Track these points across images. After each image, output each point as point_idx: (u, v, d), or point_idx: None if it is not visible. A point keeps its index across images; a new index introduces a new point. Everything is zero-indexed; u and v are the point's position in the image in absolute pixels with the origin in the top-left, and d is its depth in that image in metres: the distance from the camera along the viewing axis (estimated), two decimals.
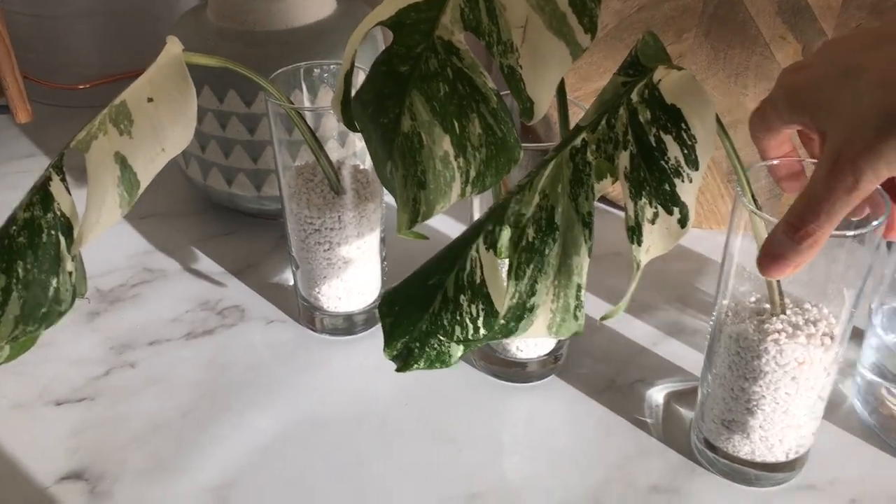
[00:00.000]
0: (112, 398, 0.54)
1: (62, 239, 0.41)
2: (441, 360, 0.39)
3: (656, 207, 0.37)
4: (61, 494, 0.47)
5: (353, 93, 0.40)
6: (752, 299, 0.45)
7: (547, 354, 0.54)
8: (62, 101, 0.87)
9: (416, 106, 0.38)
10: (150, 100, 0.41)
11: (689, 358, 0.56)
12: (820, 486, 0.47)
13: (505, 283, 0.37)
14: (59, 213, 0.40)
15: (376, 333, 0.59)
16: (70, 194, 0.41)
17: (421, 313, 0.38)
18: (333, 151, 0.55)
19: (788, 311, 0.43)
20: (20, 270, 0.40)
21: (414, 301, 0.38)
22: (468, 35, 0.38)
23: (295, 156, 0.57)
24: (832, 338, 0.42)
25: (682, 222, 0.38)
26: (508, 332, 0.39)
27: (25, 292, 0.40)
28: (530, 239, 0.37)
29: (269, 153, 0.64)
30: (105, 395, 0.54)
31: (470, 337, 0.38)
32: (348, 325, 0.58)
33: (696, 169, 0.37)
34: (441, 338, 0.38)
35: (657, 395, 0.53)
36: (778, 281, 0.43)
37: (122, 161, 0.40)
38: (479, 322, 0.38)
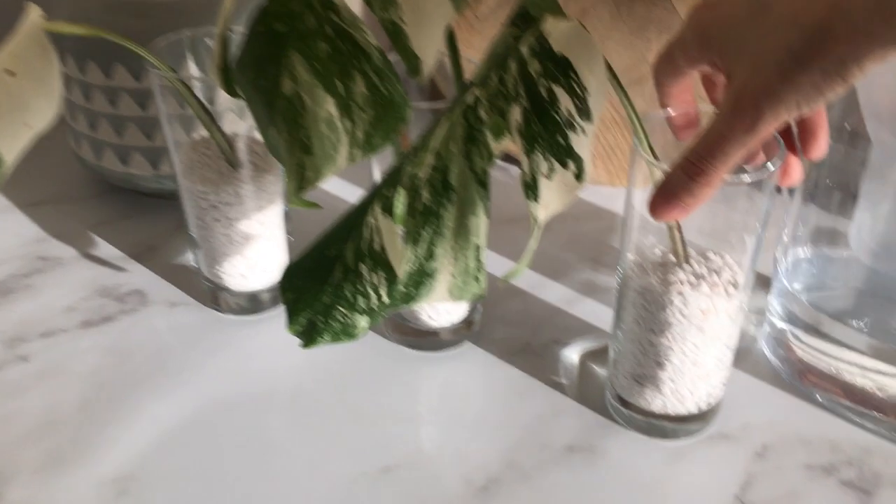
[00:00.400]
0: (3, 395, 0.51)
1: None
2: (347, 333, 0.38)
3: (551, 161, 0.36)
4: None
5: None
6: (658, 252, 0.44)
7: (459, 321, 0.53)
8: None
9: (295, 67, 0.36)
10: (10, 73, 0.38)
11: (605, 317, 0.56)
12: (732, 435, 0.48)
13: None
14: None
15: (283, 311, 0.57)
16: None
17: (322, 286, 0.37)
18: (233, 124, 0.52)
19: (692, 262, 0.43)
20: None
21: (314, 274, 0.37)
22: None
23: (190, 130, 0.54)
24: (736, 286, 0.42)
25: (579, 176, 0.37)
26: (409, 298, 0.38)
27: None
28: (425, 201, 0.36)
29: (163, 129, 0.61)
30: None
31: (374, 307, 0.37)
32: (254, 304, 0.56)
33: (590, 120, 0.36)
34: (344, 309, 0.37)
35: (572, 355, 0.53)
36: (681, 232, 0.42)
37: None
38: (382, 291, 0.37)
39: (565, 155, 0.36)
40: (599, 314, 0.56)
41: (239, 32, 0.46)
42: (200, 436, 0.48)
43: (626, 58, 0.63)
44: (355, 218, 0.36)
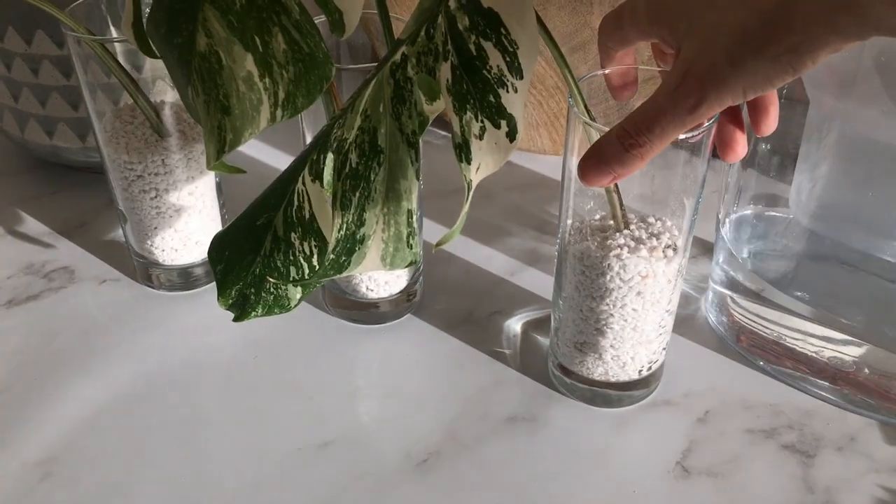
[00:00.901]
0: None
1: None
2: (280, 305, 0.37)
3: (482, 122, 0.35)
4: None
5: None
6: (597, 217, 0.43)
7: (399, 293, 0.52)
8: None
9: (210, 22, 0.34)
10: None
11: (548, 286, 0.55)
12: (675, 401, 0.47)
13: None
14: None
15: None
16: None
17: (252, 256, 0.35)
18: (163, 93, 0.50)
19: (632, 227, 0.42)
20: None
21: (244, 244, 0.35)
22: None
23: (117, 100, 0.52)
24: (675, 249, 0.42)
25: (511, 135, 0.35)
26: (340, 267, 0.36)
27: None
28: (353, 164, 0.34)
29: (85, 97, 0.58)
30: None
31: (306, 276, 0.36)
32: (187, 280, 0.54)
33: (521, 77, 0.35)
34: (276, 280, 0.36)
35: (515, 325, 0.52)
36: (619, 196, 0.41)
37: None
38: (314, 259, 0.35)
39: (497, 114, 0.35)
40: (542, 284, 0.55)
41: None
42: (129, 415, 0.46)
43: (569, 23, 0.62)
44: (284, 185, 0.34)
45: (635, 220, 0.42)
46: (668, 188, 0.42)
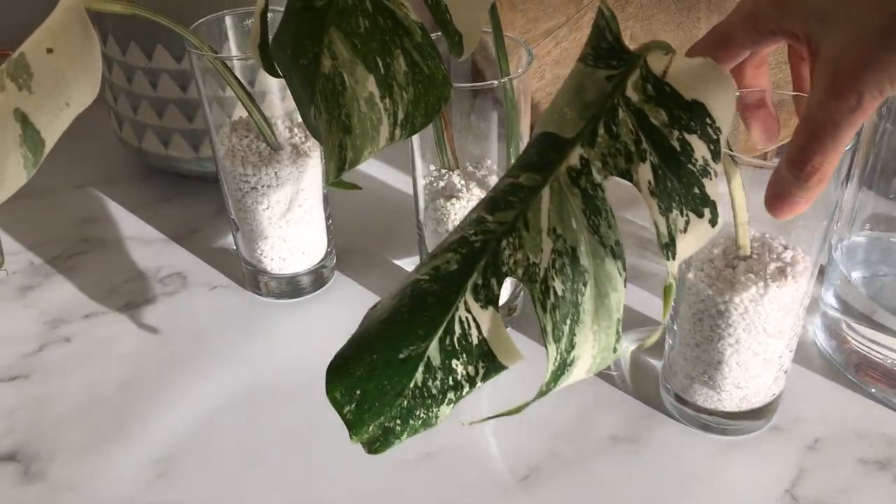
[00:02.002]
0: (46, 375, 0.51)
1: None
2: (427, 425, 0.33)
3: (687, 216, 0.31)
4: None
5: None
6: (716, 249, 0.42)
7: (502, 305, 0.52)
8: None
9: (335, 44, 0.35)
10: (49, 51, 0.37)
11: (649, 303, 0.55)
12: (784, 427, 0.46)
13: (507, 335, 0.31)
14: None
15: (324, 295, 0.57)
16: None
17: (399, 390, 0.31)
18: (272, 106, 0.52)
19: (754, 255, 0.41)
20: None
21: (384, 381, 0.31)
22: None
23: (231, 113, 0.54)
24: (800, 277, 0.40)
25: (713, 221, 0.31)
26: (543, 394, 0.32)
27: None
28: (559, 293, 0.31)
29: (204, 110, 0.61)
30: (39, 373, 0.51)
31: (465, 395, 0.32)
32: (294, 288, 0.56)
33: (719, 160, 0.31)
34: (430, 406, 0.32)
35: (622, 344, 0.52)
36: (745, 224, 0.40)
37: (22, 118, 0.37)
38: (479, 379, 0.31)
39: (701, 204, 0.31)
40: (643, 301, 0.55)
41: (278, 10, 0.45)
42: (240, 419, 0.48)
43: (674, 38, 0.61)
44: (433, 312, 0.31)
45: (757, 247, 0.41)
46: (805, 217, 0.40)
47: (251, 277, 0.56)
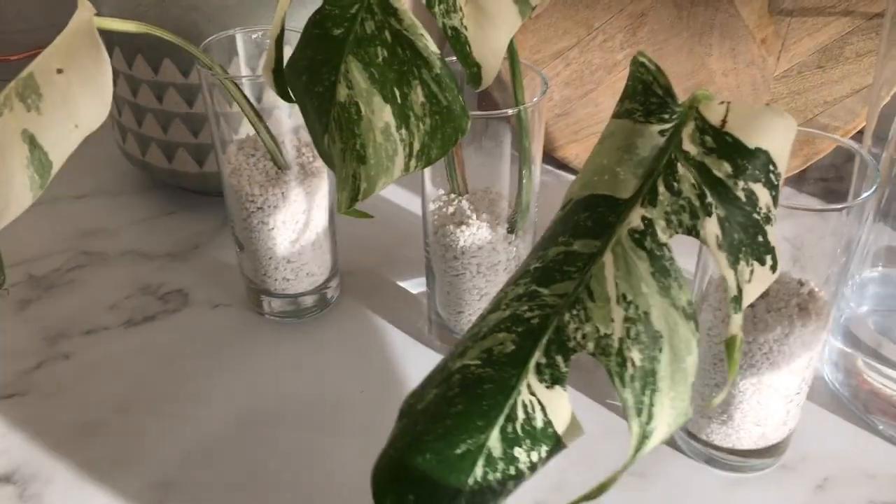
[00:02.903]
0: (44, 393, 0.50)
1: None
2: None
3: (752, 265, 0.31)
4: None
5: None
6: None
7: None
8: None
9: (352, 73, 0.35)
10: (59, 71, 0.37)
11: None
12: (791, 465, 0.45)
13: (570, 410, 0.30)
14: None
15: (327, 316, 0.56)
16: None
17: (456, 490, 0.29)
18: (279, 123, 0.51)
19: (770, 292, 0.40)
20: None
21: (439, 480, 0.29)
22: None
23: (236, 129, 0.53)
24: (818, 315, 0.40)
25: (774, 268, 0.31)
26: (623, 471, 0.30)
27: None
28: (637, 362, 0.29)
29: (209, 127, 0.60)
30: (37, 390, 0.50)
31: (524, 481, 0.30)
32: (297, 308, 0.55)
33: (777, 205, 0.31)
34: (488, 498, 0.30)
35: None
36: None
37: (30, 140, 0.36)
38: (541, 464, 0.30)
39: (764, 252, 0.30)
40: None
41: (294, 33, 0.45)
42: (243, 443, 0.47)
43: (685, 64, 0.61)
44: (491, 402, 0.29)
45: (773, 285, 0.41)
46: (816, 250, 0.40)
47: (254, 297, 0.56)
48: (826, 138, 0.42)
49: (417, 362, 0.52)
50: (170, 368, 0.52)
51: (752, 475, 0.45)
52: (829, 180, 0.48)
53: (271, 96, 0.52)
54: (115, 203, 0.66)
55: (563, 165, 0.69)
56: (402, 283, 0.58)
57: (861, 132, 0.58)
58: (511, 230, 0.47)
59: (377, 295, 0.57)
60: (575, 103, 0.66)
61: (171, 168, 0.62)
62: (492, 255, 0.47)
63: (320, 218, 0.53)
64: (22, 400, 0.50)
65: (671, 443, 0.47)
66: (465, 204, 0.47)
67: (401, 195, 0.66)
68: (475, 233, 0.46)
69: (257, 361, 0.52)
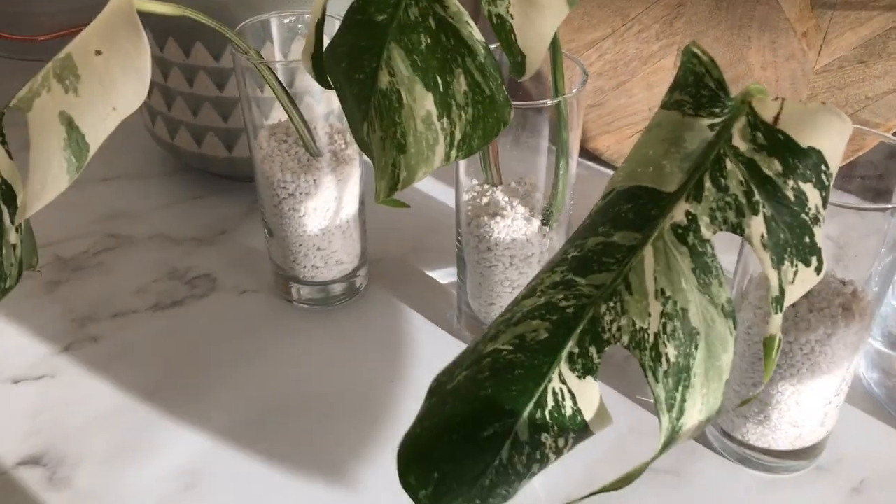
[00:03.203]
0: (73, 375, 0.50)
1: (4, 208, 0.37)
2: (505, 500, 0.31)
3: (797, 265, 0.30)
4: (17, 482, 0.44)
5: (326, 45, 0.36)
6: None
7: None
8: (19, 53, 0.81)
9: (394, 60, 0.34)
10: (97, 52, 0.36)
11: None
12: (827, 466, 0.45)
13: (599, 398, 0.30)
14: None
15: (355, 304, 0.55)
16: (11, 158, 0.37)
17: (481, 469, 0.29)
18: (310, 109, 0.51)
19: (813, 291, 0.40)
20: None
21: (466, 461, 0.29)
22: None
23: (267, 114, 0.53)
24: (860, 316, 0.39)
25: (819, 269, 0.30)
26: (650, 463, 0.30)
27: None
28: (672, 358, 0.29)
29: (239, 111, 0.60)
30: (65, 372, 0.50)
31: (548, 465, 0.30)
32: (326, 296, 0.55)
33: (827, 206, 0.30)
34: (513, 483, 0.30)
35: None
36: None
37: (68, 122, 0.36)
38: (567, 449, 0.30)
39: (810, 253, 0.30)
40: None
41: (334, 19, 0.44)
42: (270, 430, 0.47)
43: (723, 56, 0.60)
44: (521, 388, 0.29)
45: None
46: (858, 249, 0.39)
47: (282, 284, 0.55)
48: (873, 135, 0.41)
49: (447, 353, 0.51)
50: (198, 353, 0.52)
51: (786, 476, 0.44)
52: (867, 178, 0.47)
53: (303, 82, 0.51)
54: (143, 186, 0.66)
55: (595, 157, 0.68)
56: (430, 273, 0.58)
57: None
58: (545, 222, 0.46)
59: (406, 284, 0.57)
60: (608, 94, 0.65)
61: (200, 152, 0.62)
62: (525, 247, 0.47)
63: (351, 206, 0.52)
64: (51, 382, 0.50)
65: (704, 441, 0.46)
66: (499, 195, 0.47)
67: (429, 183, 0.65)
68: (510, 224, 0.46)
69: (285, 349, 0.52)
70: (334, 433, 0.47)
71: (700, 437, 0.46)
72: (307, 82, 0.52)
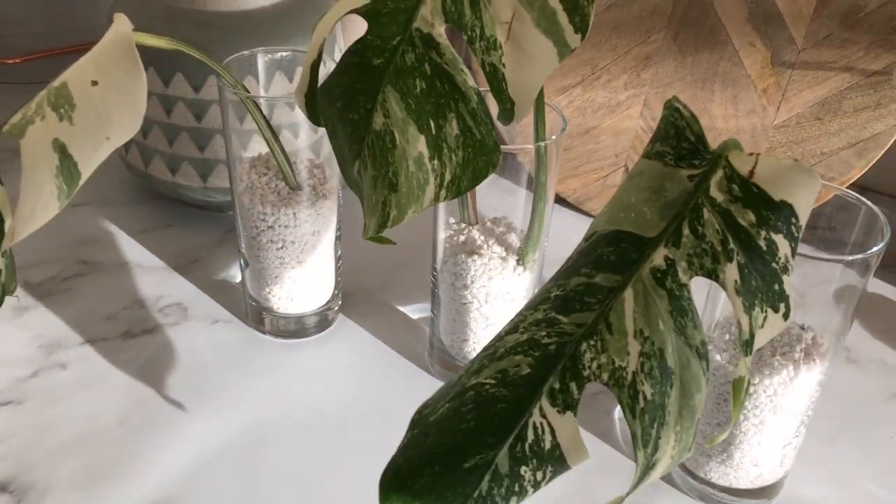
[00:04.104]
0: (41, 402, 0.50)
1: None
2: None
3: (766, 311, 0.32)
4: None
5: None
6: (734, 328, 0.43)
7: None
8: None
9: (389, 102, 0.35)
10: (94, 83, 0.37)
11: None
12: None
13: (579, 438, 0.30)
14: None
15: (328, 337, 0.56)
16: (2, 184, 0.37)
17: (461, 502, 0.30)
18: (287, 143, 0.52)
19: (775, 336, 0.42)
20: None
21: (445, 491, 0.30)
22: (448, 27, 0.36)
23: (245, 146, 0.53)
24: (821, 360, 0.41)
25: (786, 315, 0.32)
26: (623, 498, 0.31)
27: None
28: (648, 396, 0.30)
29: (216, 142, 0.60)
30: (33, 399, 0.50)
31: (526, 498, 0.31)
32: (299, 328, 0.55)
33: (794, 256, 0.32)
34: None
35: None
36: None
37: (61, 149, 0.36)
38: (544, 482, 0.31)
39: (778, 300, 0.31)
40: None
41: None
42: (241, 460, 0.47)
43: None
44: (503, 422, 0.30)
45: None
46: (819, 299, 0.41)
47: (255, 314, 0.56)
48: (830, 188, 0.43)
49: (418, 386, 0.52)
50: (168, 382, 0.52)
51: None
52: (818, 228, 0.50)
53: (281, 116, 0.52)
54: (114, 213, 0.66)
55: (561, 199, 0.70)
56: (401, 308, 0.59)
57: (855, 184, 0.60)
58: (520, 262, 0.48)
59: (377, 318, 0.58)
60: (576, 140, 0.67)
61: (174, 181, 0.62)
62: (501, 285, 0.48)
63: (328, 240, 0.53)
64: (18, 408, 0.49)
65: (667, 479, 0.47)
66: (475, 234, 0.48)
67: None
68: (486, 262, 0.47)
69: (257, 379, 0.52)
70: (306, 463, 0.47)
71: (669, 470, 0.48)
72: (287, 117, 0.53)
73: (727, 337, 0.43)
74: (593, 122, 0.66)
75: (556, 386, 0.30)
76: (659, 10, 0.61)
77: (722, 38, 0.60)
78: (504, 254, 0.48)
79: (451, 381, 0.33)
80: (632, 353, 0.30)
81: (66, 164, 0.36)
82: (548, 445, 0.30)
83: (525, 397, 0.30)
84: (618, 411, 0.51)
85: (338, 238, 0.55)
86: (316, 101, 0.38)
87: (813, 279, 0.41)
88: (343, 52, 0.37)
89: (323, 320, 0.56)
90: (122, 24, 0.38)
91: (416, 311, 0.58)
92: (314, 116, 0.39)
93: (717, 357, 0.42)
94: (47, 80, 0.37)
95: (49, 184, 0.36)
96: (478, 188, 0.48)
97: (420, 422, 0.32)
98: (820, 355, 0.41)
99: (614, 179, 0.67)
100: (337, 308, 0.57)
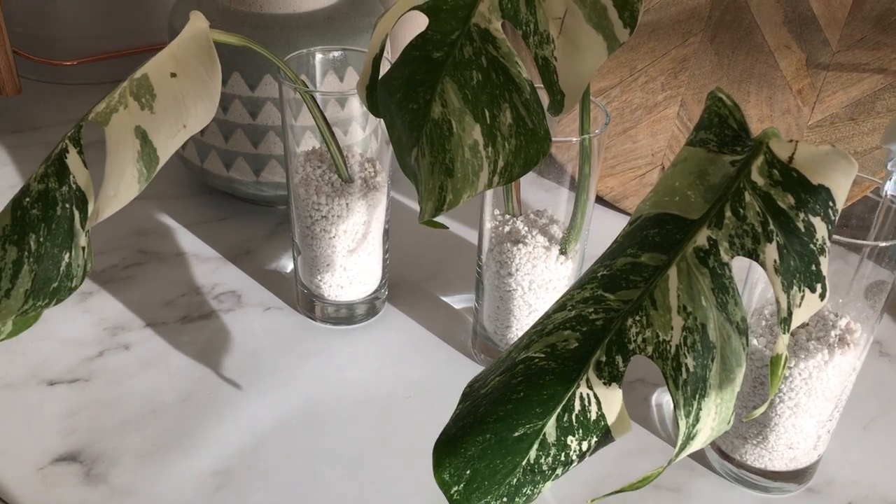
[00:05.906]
0: (107, 380, 0.52)
1: (76, 213, 0.40)
2: (529, 500, 0.34)
3: (804, 291, 0.33)
4: (55, 476, 0.46)
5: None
6: (767, 311, 0.45)
7: None
8: (47, 76, 0.85)
9: (448, 93, 0.38)
10: (173, 75, 0.40)
11: None
12: (817, 489, 0.48)
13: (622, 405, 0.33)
14: (74, 186, 0.39)
15: (376, 323, 0.58)
16: (87, 168, 0.40)
17: (510, 468, 0.33)
18: (343, 138, 0.54)
19: (810, 322, 0.43)
20: (33, 243, 0.39)
21: (497, 460, 0.32)
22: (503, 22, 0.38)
23: (299, 141, 0.56)
24: (859, 345, 0.43)
25: (823, 296, 0.33)
26: (669, 465, 0.33)
27: (37, 266, 0.39)
28: (691, 368, 0.32)
29: (269, 138, 0.63)
30: (99, 377, 0.53)
31: (571, 468, 0.33)
32: (349, 315, 0.58)
33: (831, 238, 0.33)
34: (538, 482, 0.33)
35: (663, 394, 0.54)
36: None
37: (142, 136, 0.39)
38: (590, 453, 0.33)
39: (815, 280, 0.33)
40: None
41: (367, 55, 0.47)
42: (294, 436, 0.49)
43: None
44: (551, 392, 0.32)
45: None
46: (849, 286, 0.43)
47: (306, 302, 0.58)
48: (868, 181, 0.45)
49: (461, 371, 0.54)
50: (225, 364, 0.54)
51: (779, 497, 0.47)
52: (849, 227, 0.51)
53: (334, 112, 0.55)
54: (170, 206, 0.69)
55: (598, 198, 0.72)
56: (445, 298, 0.61)
57: None
58: (563, 251, 0.50)
59: (422, 307, 0.60)
60: (614, 139, 0.69)
61: (228, 176, 0.65)
62: (543, 274, 0.50)
63: (377, 230, 0.56)
64: (86, 385, 0.52)
65: (704, 461, 0.49)
66: (520, 224, 0.50)
67: (446, 219, 0.69)
68: (531, 251, 0.49)
69: (309, 363, 0.55)
70: (355, 440, 0.49)
71: (700, 456, 0.49)
72: (339, 114, 0.56)
73: (763, 323, 0.44)
74: (630, 123, 0.68)
75: (603, 359, 0.32)
76: (696, 13, 0.63)
77: (758, 41, 0.62)
78: (547, 244, 0.50)
79: (500, 356, 0.35)
80: (675, 328, 0.32)
81: (147, 149, 0.39)
82: (594, 416, 0.33)
83: (573, 370, 0.32)
84: (654, 398, 0.53)
85: (386, 231, 0.57)
86: (376, 94, 0.41)
87: (845, 275, 0.43)
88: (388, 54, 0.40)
89: (371, 309, 0.59)
90: (199, 21, 0.41)
91: (458, 302, 0.61)
92: (374, 108, 0.42)
93: (755, 341, 0.44)
94: (102, 81, 0.40)
95: (131, 167, 0.39)
96: (522, 186, 0.51)
97: (471, 394, 0.35)
98: (854, 342, 0.43)
99: (651, 178, 0.69)
100: (384, 298, 0.60)
